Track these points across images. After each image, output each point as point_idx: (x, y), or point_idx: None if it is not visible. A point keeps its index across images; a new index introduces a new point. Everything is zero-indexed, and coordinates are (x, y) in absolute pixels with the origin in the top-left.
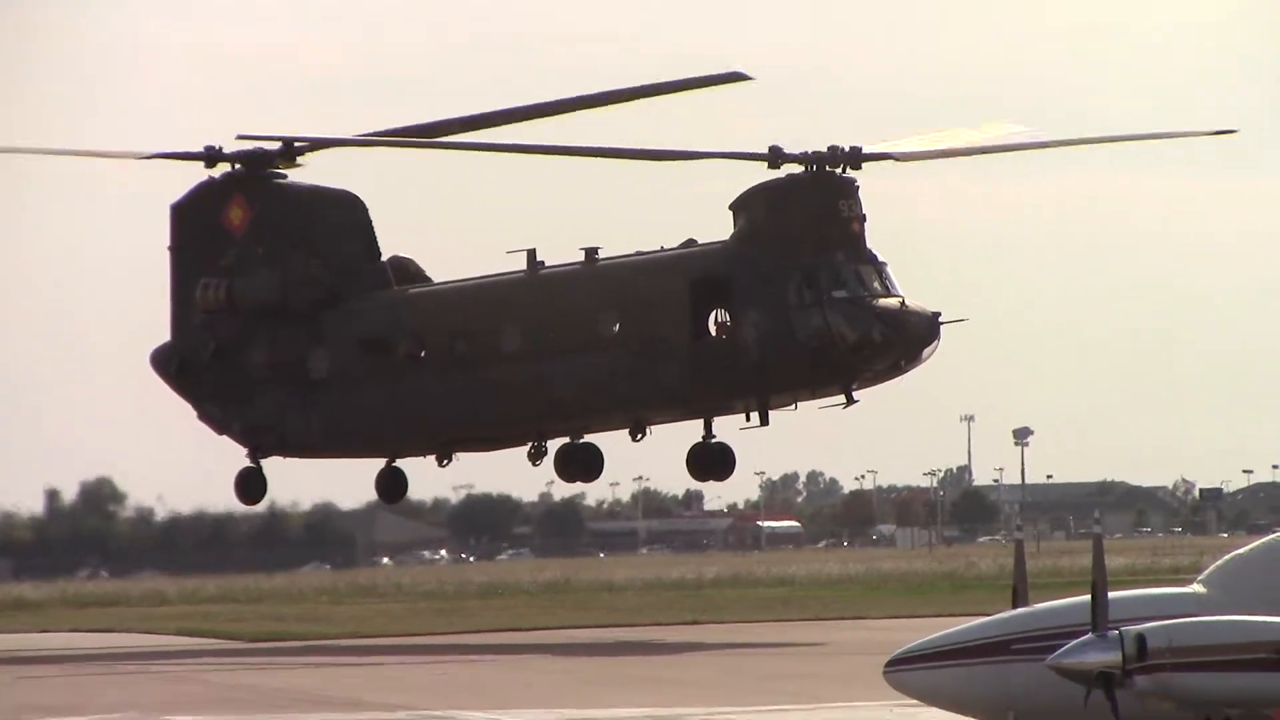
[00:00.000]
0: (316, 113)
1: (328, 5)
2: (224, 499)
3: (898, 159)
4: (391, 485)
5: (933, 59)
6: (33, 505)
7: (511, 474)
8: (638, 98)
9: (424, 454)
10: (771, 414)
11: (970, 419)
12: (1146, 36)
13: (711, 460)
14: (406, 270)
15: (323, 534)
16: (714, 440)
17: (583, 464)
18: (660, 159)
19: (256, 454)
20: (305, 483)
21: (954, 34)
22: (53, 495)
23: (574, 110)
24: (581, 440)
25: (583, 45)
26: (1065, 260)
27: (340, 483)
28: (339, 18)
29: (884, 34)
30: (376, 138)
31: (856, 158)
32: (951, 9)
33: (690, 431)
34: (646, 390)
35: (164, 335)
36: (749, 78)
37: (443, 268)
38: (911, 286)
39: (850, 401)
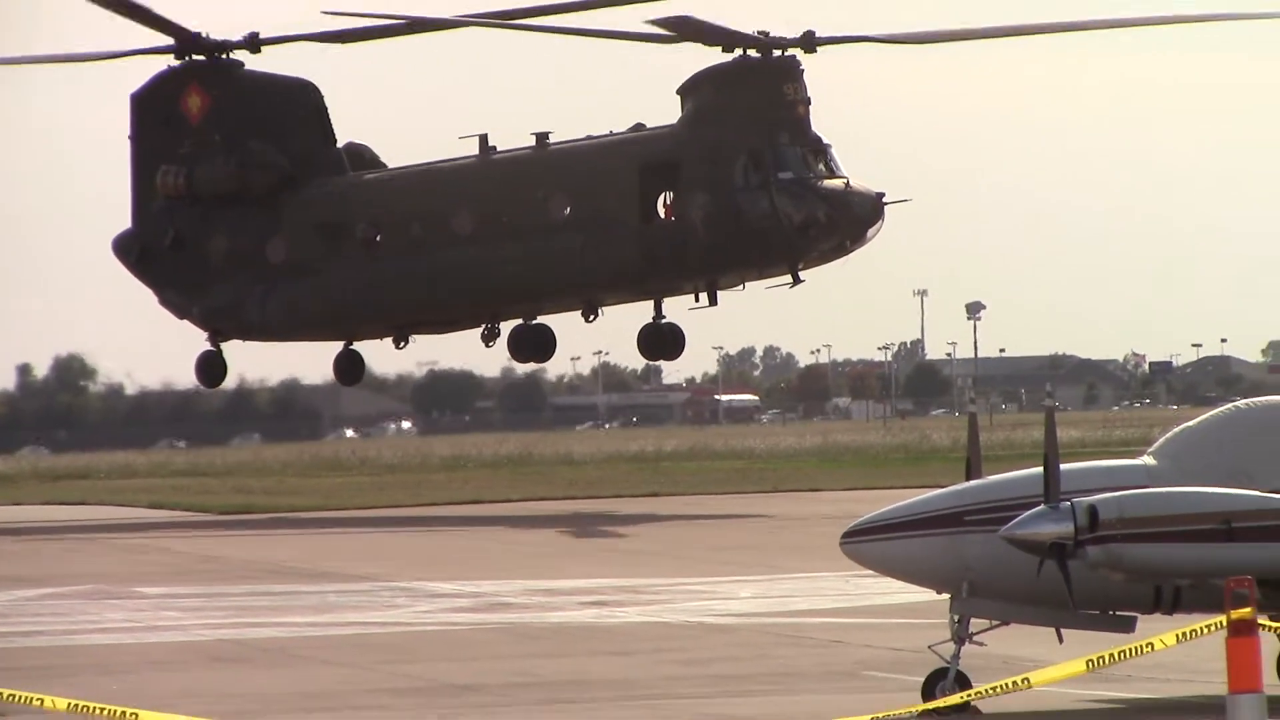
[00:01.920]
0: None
1: None
2: (191, 375)
3: (851, 42)
4: (349, 367)
5: None
6: (4, 381)
7: (473, 350)
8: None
9: (380, 337)
10: (720, 294)
11: (923, 294)
12: None
13: (662, 340)
14: (362, 157)
15: (289, 408)
16: (664, 320)
17: (535, 344)
18: (617, 38)
19: (216, 338)
20: (271, 359)
21: None
22: (24, 370)
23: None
24: (534, 321)
25: None
26: (1017, 139)
27: (305, 358)
28: None
29: None
30: (335, 32)
31: (809, 41)
32: None
33: (645, 311)
34: (597, 272)
35: (126, 218)
36: None
37: (398, 154)
38: (863, 166)
39: (797, 281)
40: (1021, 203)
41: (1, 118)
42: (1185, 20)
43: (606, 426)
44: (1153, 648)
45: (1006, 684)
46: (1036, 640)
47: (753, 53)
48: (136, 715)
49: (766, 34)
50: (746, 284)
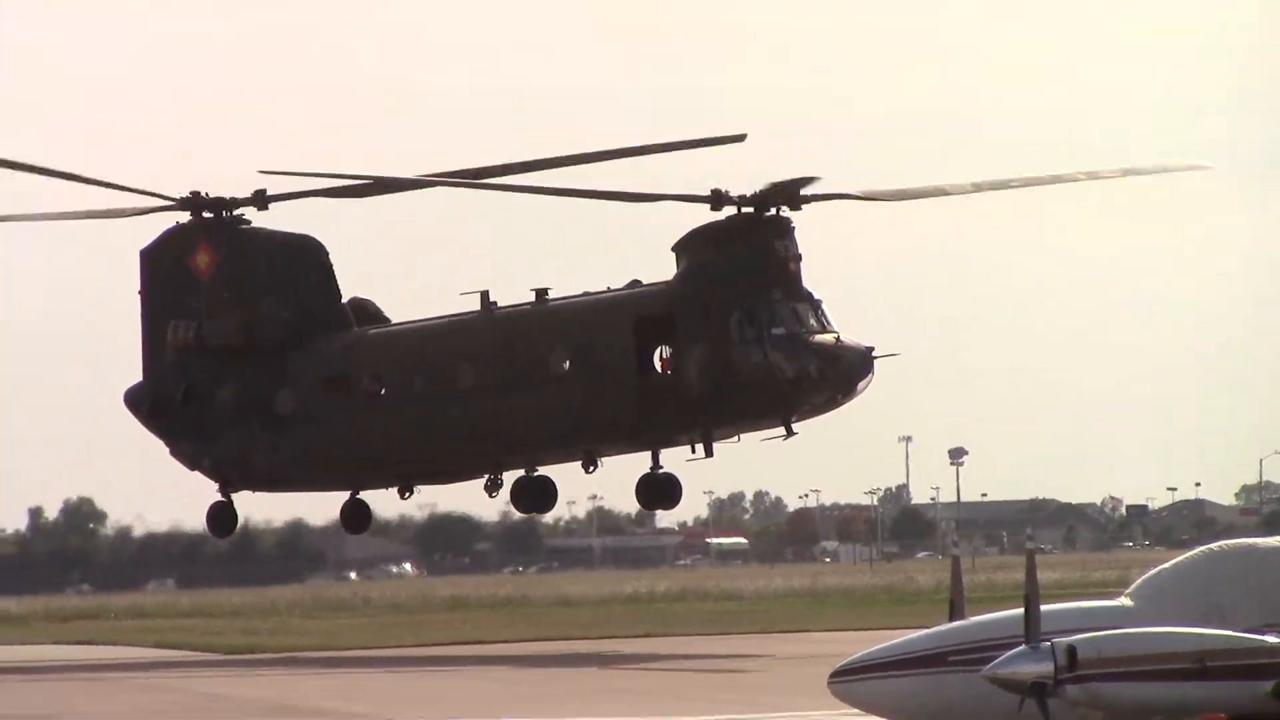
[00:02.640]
0: (285, 155)
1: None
2: (200, 519)
3: (834, 199)
4: (356, 516)
5: (881, 97)
6: (16, 523)
7: (473, 493)
8: (628, 155)
9: (385, 486)
10: (716, 445)
11: (908, 440)
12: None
13: (659, 490)
14: (366, 311)
15: (294, 550)
16: (661, 470)
17: (537, 496)
18: (608, 199)
19: (227, 489)
20: (277, 502)
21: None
22: (36, 513)
23: (553, 167)
24: (536, 473)
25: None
26: (996, 290)
27: (310, 502)
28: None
29: (837, 71)
30: (343, 187)
31: (795, 198)
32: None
33: (641, 459)
34: (596, 425)
35: (137, 368)
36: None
37: (401, 308)
38: (846, 319)
39: (790, 434)
40: (1001, 352)
41: (13, 267)
42: (1161, 170)
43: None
44: None
45: None
46: None
47: (745, 209)
48: None
49: (758, 191)
50: (741, 436)
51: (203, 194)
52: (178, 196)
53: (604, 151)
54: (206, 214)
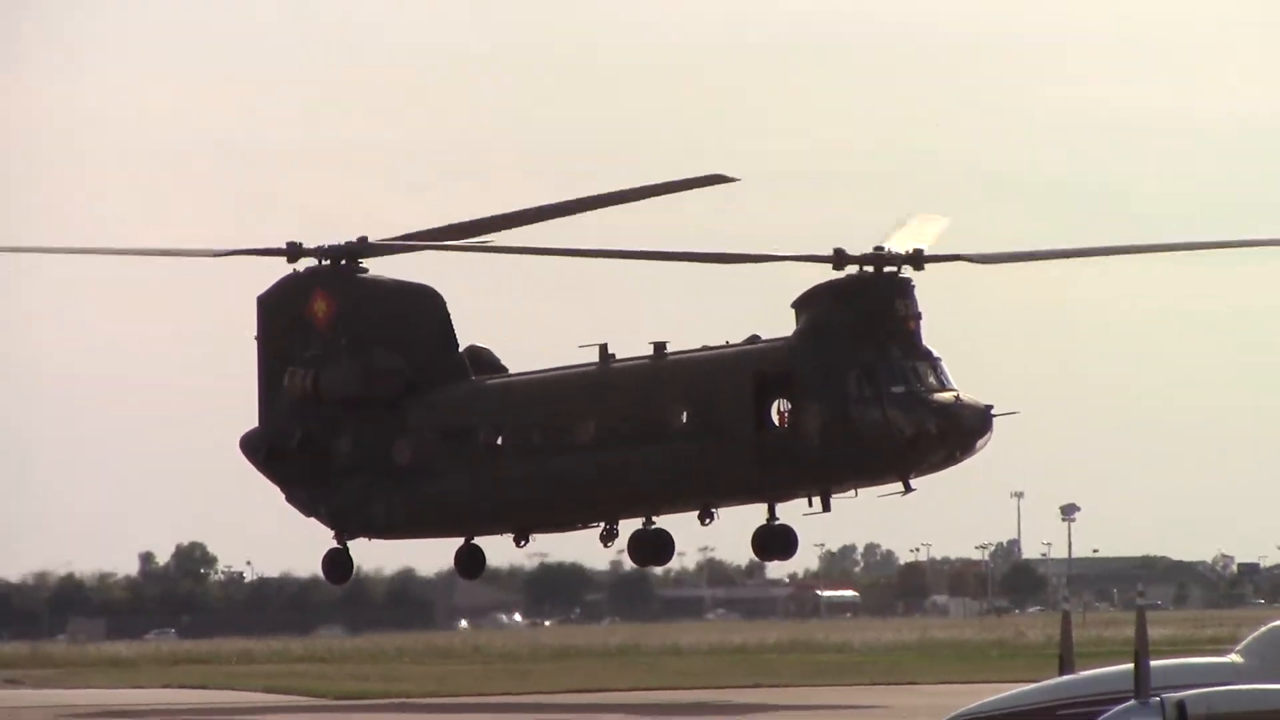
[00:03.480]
0: (406, 200)
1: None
2: (309, 565)
3: (957, 260)
4: (470, 562)
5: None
6: (128, 567)
7: (583, 542)
8: (623, 201)
9: (501, 533)
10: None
11: (1020, 495)
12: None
13: (775, 541)
14: (482, 360)
15: (404, 598)
16: (777, 522)
17: (654, 548)
18: (730, 262)
19: (343, 536)
20: (388, 550)
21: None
22: (147, 558)
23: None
24: (653, 526)
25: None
26: (1108, 348)
27: (421, 550)
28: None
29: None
30: (440, 242)
31: (918, 259)
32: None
33: (755, 510)
34: (713, 480)
35: (250, 413)
36: (733, 179)
37: (518, 359)
38: (963, 378)
39: (908, 489)
40: (1114, 408)
41: (128, 310)
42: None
43: (709, 616)
44: None
45: None
46: None
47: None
48: None
49: (881, 249)
50: (859, 491)
51: (302, 244)
52: (285, 244)
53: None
54: (324, 261)
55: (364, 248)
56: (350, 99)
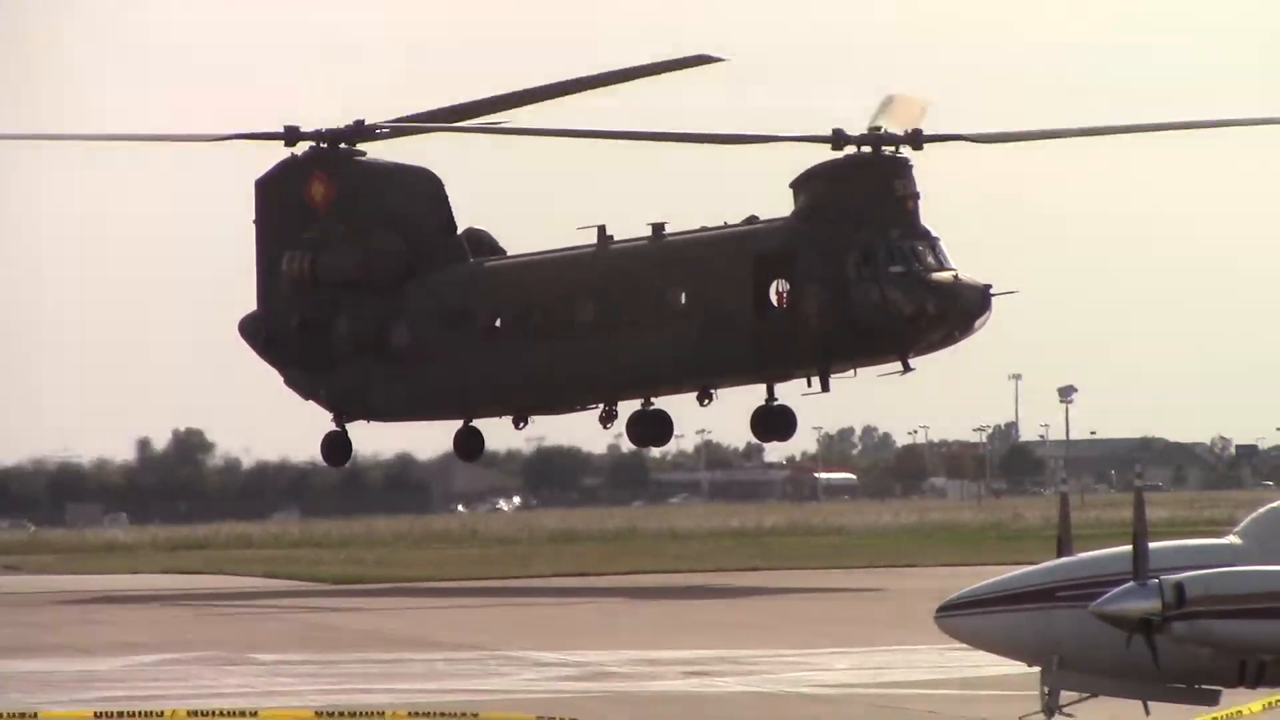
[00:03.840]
0: (397, 85)
1: None
2: (308, 450)
3: (950, 140)
4: (469, 444)
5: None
6: (125, 453)
7: (581, 426)
8: (611, 83)
9: (500, 416)
10: (831, 379)
11: (1018, 378)
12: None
13: (774, 422)
14: (481, 242)
15: (402, 483)
16: (776, 403)
17: (653, 429)
18: (729, 143)
19: (342, 419)
20: (385, 435)
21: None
22: (144, 444)
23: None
24: (652, 407)
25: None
26: (1107, 230)
27: (418, 435)
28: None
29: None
30: (443, 123)
31: (916, 139)
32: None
33: (754, 391)
34: (712, 360)
35: (249, 299)
36: (718, 59)
37: (517, 241)
38: (963, 258)
39: (907, 369)
40: (1112, 291)
41: (122, 195)
42: None
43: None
44: (1241, 715)
45: None
46: (1124, 712)
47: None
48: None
49: (879, 129)
50: (857, 370)
51: (299, 128)
52: (283, 129)
53: (619, 71)
54: (321, 144)
55: (362, 130)
56: None
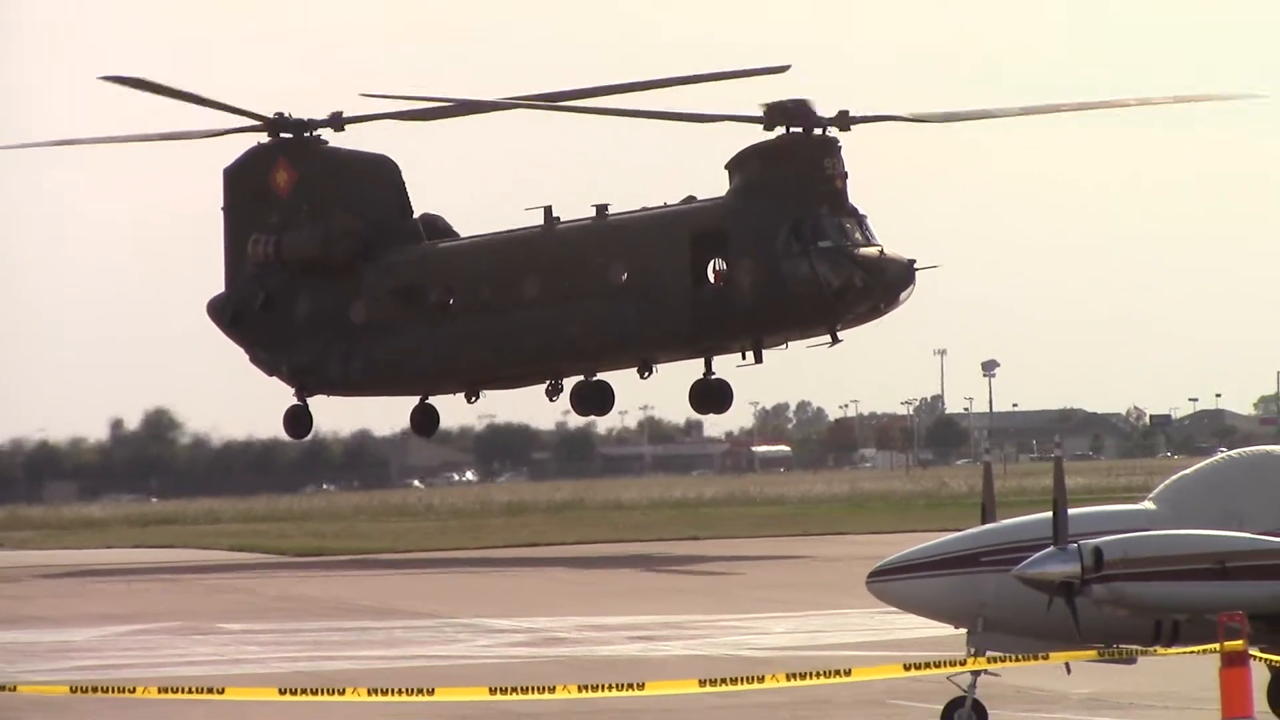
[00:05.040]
0: (360, 75)
1: None
2: (271, 428)
3: (881, 120)
4: (425, 420)
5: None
6: (98, 432)
7: (530, 404)
8: (681, 84)
9: (454, 392)
10: (765, 352)
11: (943, 353)
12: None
13: (711, 395)
14: (436, 226)
15: (360, 458)
16: (714, 377)
17: (595, 399)
18: (667, 119)
19: (303, 393)
20: (344, 412)
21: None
22: (116, 424)
23: (604, 95)
24: (594, 378)
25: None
26: (1028, 208)
27: (376, 412)
28: None
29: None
30: (417, 110)
31: (844, 119)
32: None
33: (692, 368)
34: (652, 333)
35: (217, 283)
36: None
37: (469, 224)
38: (889, 234)
39: (835, 341)
40: (1033, 268)
41: (98, 182)
42: (1211, 98)
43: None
44: None
45: None
46: (1046, 672)
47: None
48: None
49: (809, 108)
50: (789, 343)
51: (286, 115)
52: (262, 116)
53: (659, 80)
54: (286, 135)
55: (339, 121)
56: None
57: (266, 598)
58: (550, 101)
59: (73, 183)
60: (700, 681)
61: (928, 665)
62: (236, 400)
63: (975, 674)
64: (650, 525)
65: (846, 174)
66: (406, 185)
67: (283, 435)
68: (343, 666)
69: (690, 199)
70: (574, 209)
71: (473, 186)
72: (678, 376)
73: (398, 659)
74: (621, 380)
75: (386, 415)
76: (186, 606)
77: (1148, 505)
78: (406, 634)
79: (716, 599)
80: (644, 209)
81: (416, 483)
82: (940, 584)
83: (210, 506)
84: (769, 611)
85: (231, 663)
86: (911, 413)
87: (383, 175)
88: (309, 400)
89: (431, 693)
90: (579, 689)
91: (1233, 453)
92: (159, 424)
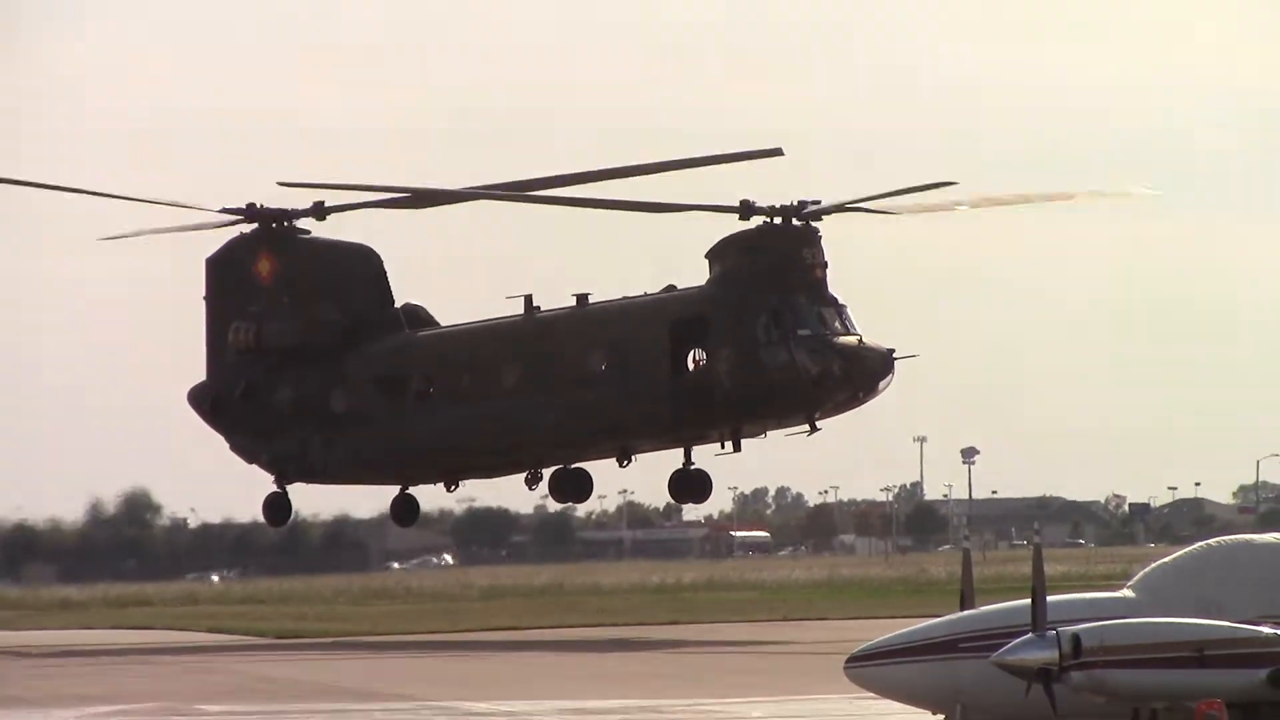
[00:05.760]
0: (337, 168)
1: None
2: (250, 511)
3: (855, 210)
4: (405, 510)
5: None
6: (76, 514)
7: (509, 488)
8: (666, 170)
9: (433, 481)
10: (743, 441)
11: (923, 440)
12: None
13: (691, 485)
14: (417, 316)
15: (339, 541)
16: (693, 467)
17: (574, 487)
18: (642, 210)
19: (282, 481)
20: (323, 495)
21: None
22: (95, 505)
23: (596, 180)
24: (573, 466)
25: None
26: (1006, 298)
27: (355, 495)
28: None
29: (853, 102)
30: (395, 199)
31: (818, 211)
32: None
33: (672, 455)
34: (631, 422)
35: (198, 370)
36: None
37: (450, 312)
38: (869, 323)
39: (814, 430)
40: (1013, 357)
41: (82, 271)
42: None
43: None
44: None
45: None
46: None
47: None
48: None
49: (805, 202)
50: (768, 433)
51: (259, 205)
52: (237, 207)
53: (641, 166)
54: (269, 224)
55: (321, 211)
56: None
57: (246, 679)
58: (525, 190)
59: (53, 263)
60: None
61: None
62: (215, 484)
63: None
64: (630, 609)
65: (826, 264)
66: (388, 274)
67: (261, 518)
68: None
69: (670, 287)
70: (555, 297)
71: (454, 274)
72: (657, 462)
73: None
74: (601, 465)
75: (366, 498)
76: (166, 688)
77: (1126, 593)
78: (386, 716)
79: (696, 683)
80: (624, 298)
81: (395, 565)
82: (919, 670)
83: (189, 589)
84: (748, 696)
85: None
86: (891, 499)
87: (364, 265)
88: (288, 488)
89: None
90: None
91: (1210, 542)
92: (137, 505)
